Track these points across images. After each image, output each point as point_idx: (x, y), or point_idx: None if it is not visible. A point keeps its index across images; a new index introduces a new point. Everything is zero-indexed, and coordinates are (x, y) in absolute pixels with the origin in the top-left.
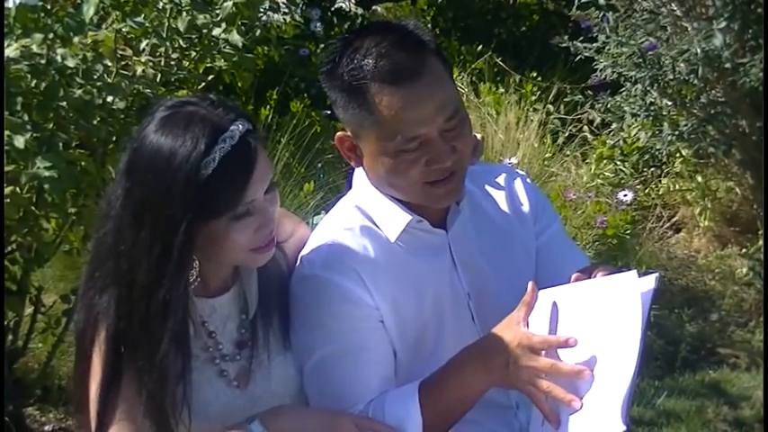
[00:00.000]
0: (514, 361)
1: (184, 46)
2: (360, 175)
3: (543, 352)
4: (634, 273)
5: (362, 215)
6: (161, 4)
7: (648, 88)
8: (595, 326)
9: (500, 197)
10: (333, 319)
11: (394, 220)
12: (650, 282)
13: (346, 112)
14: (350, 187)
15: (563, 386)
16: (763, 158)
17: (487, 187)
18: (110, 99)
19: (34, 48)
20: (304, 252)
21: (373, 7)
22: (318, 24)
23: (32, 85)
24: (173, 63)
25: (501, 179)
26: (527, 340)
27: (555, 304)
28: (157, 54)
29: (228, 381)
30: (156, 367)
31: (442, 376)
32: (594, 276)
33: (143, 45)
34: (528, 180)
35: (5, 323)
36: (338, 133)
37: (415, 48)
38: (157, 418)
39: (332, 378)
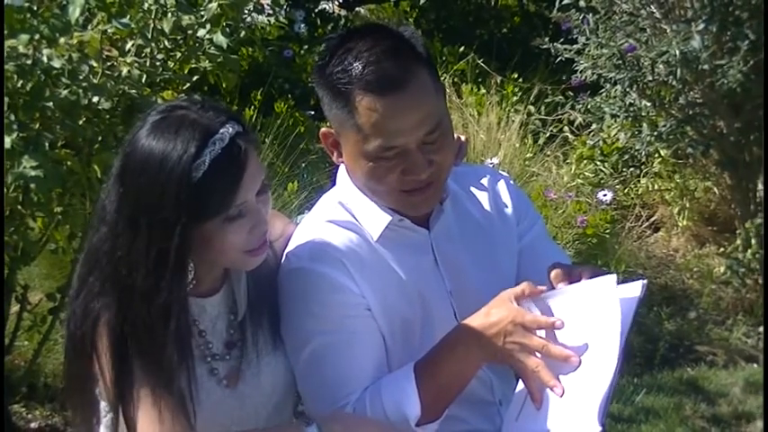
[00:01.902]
0: (508, 335)
1: (170, 47)
2: (343, 172)
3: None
4: (613, 277)
5: (346, 211)
6: (146, 5)
7: (628, 89)
8: (577, 329)
9: (483, 198)
10: (322, 307)
11: (375, 219)
12: (636, 288)
13: (330, 111)
14: (334, 185)
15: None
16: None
17: (471, 188)
18: (95, 99)
19: (20, 48)
20: (289, 248)
21: (356, 9)
22: (302, 26)
23: (18, 85)
24: (158, 64)
25: (485, 180)
26: (521, 317)
27: (538, 307)
28: (143, 55)
29: (219, 379)
30: (163, 369)
31: (435, 356)
32: (578, 278)
33: (128, 46)
34: (511, 182)
35: None
36: (323, 129)
37: (406, 58)
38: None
39: (326, 368)
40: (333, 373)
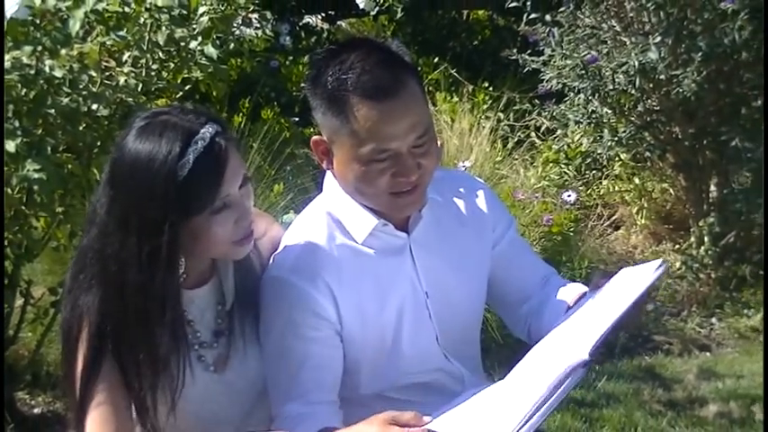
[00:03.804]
0: None
1: (164, 58)
2: (330, 178)
3: None
4: (657, 262)
5: (332, 220)
6: (142, 19)
7: (590, 97)
8: (613, 291)
9: (460, 204)
10: (290, 318)
11: (361, 222)
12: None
13: (325, 118)
14: (319, 189)
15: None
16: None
17: (447, 193)
18: (94, 107)
19: (24, 59)
20: (277, 252)
21: (338, 23)
22: (287, 38)
23: (23, 93)
24: (153, 74)
25: (461, 186)
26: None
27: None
28: (139, 65)
29: (206, 365)
30: (157, 358)
31: None
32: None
33: (125, 57)
34: (487, 188)
35: None
36: (314, 137)
37: (397, 67)
38: (148, 404)
39: (280, 369)
40: (284, 376)
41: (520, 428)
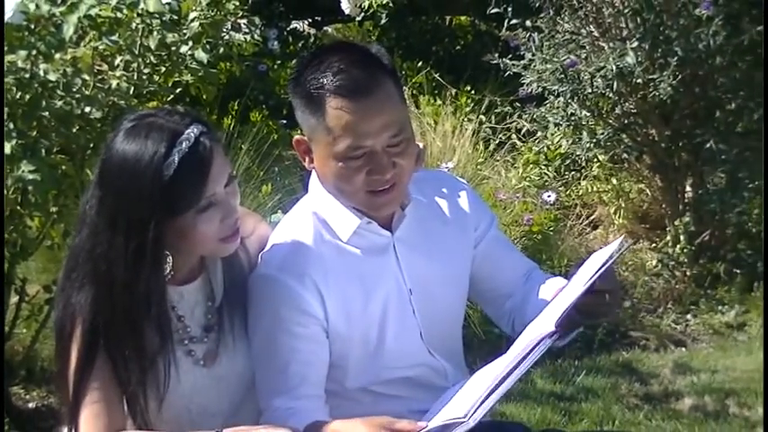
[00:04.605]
0: None
1: (155, 62)
2: (315, 179)
3: None
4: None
5: (318, 219)
6: (134, 24)
7: (569, 101)
8: (582, 272)
9: (443, 204)
10: (277, 314)
11: (346, 222)
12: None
13: (303, 117)
14: (306, 190)
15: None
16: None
17: (431, 193)
18: (87, 109)
19: (19, 63)
20: (265, 251)
21: (324, 28)
22: (275, 43)
23: (17, 96)
24: (144, 77)
25: (444, 186)
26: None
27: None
28: (130, 69)
29: (196, 360)
30: (144, 353)
31: None
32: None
33: (117, 61)
34: (469, 189)
35: None
36: (296, 136)
37: (373, 68)
38: (139, 398)
39: (265, 365)
40: (273, 371)
41: (489, 395)
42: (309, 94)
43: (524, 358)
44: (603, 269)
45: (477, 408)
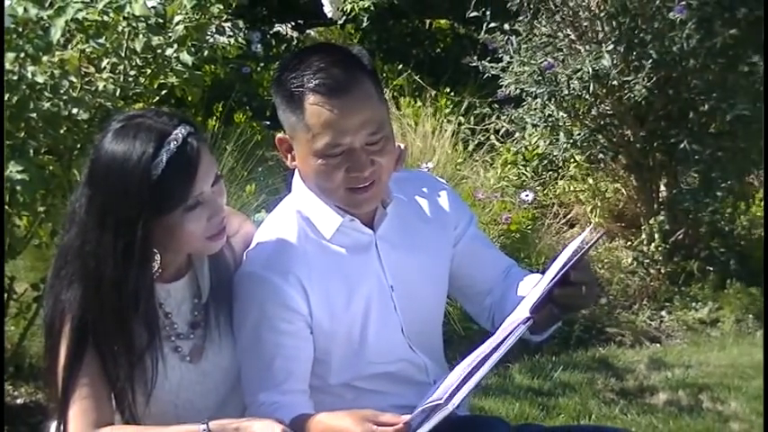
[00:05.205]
0: None
1: (141, 64)
2: (298, 178)
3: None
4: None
5: (301, 218)
6: (120, 27)
7: (547, 102)
8: (556, 263)
9: (424, 203)
10: (263, 311)
11: (328, 220)
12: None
13: (285, 115)
14: (289, 189)
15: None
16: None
17: (411, 192)
18: (75, 111)
19: (7, 65)
20: (249, 249)
21: (307, 31)
22: (259, 46)
23: (6, 98)
24: (130, 79)
25: (424, 186)
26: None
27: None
28: (117, 71)
29: (182, 356)
30: (133, 349)
31: None
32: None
33: (104, 63)
34: (449, 188)
35: None
36: (278, 135)
37: (352, 67)
38: (127, 394)
39: (250, 361)
40: (258, 367)
41: (466, 380)
42: (290, 93)
43: (500, 345)
44: (577, 258)
45: (456, 393)
